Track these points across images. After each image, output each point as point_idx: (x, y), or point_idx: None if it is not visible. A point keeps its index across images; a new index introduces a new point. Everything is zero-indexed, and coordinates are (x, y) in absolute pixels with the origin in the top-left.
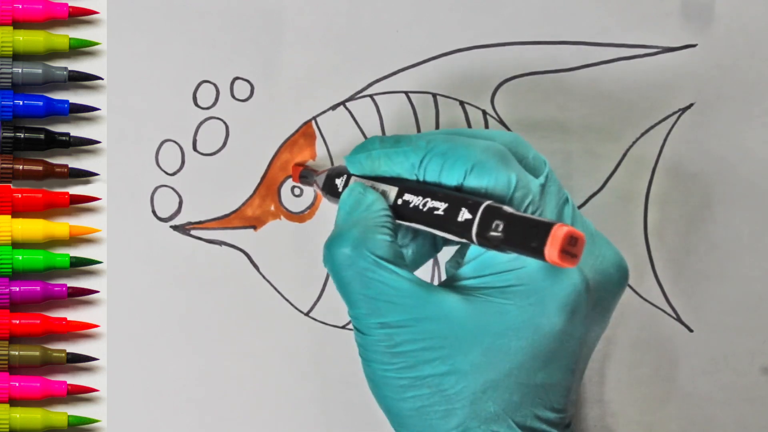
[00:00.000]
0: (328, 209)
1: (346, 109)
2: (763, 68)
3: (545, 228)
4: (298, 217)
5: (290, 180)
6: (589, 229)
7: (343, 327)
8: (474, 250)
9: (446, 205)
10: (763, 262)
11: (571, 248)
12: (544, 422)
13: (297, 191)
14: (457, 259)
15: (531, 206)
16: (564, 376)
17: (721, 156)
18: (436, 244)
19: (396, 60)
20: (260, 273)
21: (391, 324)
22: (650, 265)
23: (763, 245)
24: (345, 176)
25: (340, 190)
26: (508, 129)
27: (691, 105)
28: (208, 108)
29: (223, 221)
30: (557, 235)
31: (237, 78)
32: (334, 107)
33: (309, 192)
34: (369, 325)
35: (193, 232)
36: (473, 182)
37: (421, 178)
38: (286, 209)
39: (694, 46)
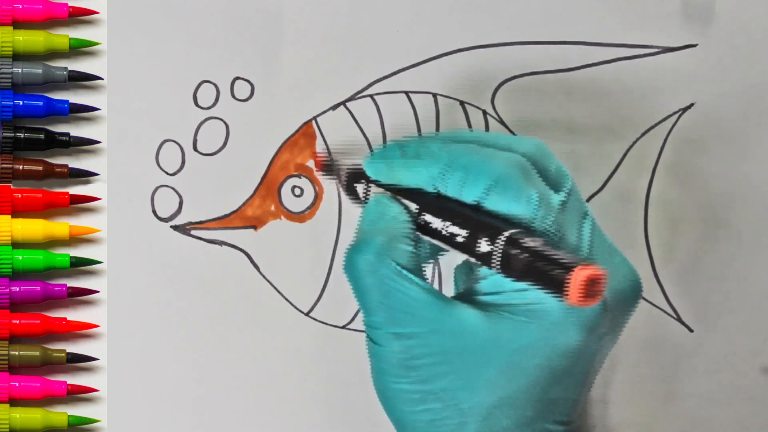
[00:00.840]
0: (328, 209)
1: (347, 109)
2: (763, 68)
3: (565, 269)
4: (299, 217)
5: (290, 180)
6: (606, 244)
7: (344, 327)
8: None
9: (467, 232)
10: (763, 262)
11: (592, 288)
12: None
13: (297, 191)
14: (470, 266)
15: (553, 226)
16: (576, 390)
17: (721, 156)
18: (441, 249)
19: (396, 60)
20: (260, 273)
21: (408, 335)
22: (650, 265)
23: (763, 245)
24: (365, 182)
25: (360, 195)
26: (509, 129)
27: (691, 105)
28: (208, 108)
29: (224, 221)
30: (578, 279)
31: (237, 78)
32: (334, 107)
33: (309, 192)
34: (385, 335)
35: (193, 232)
36: (494, 201)
37: (441, 191)
38: (287, 209)
39: (694, 46)
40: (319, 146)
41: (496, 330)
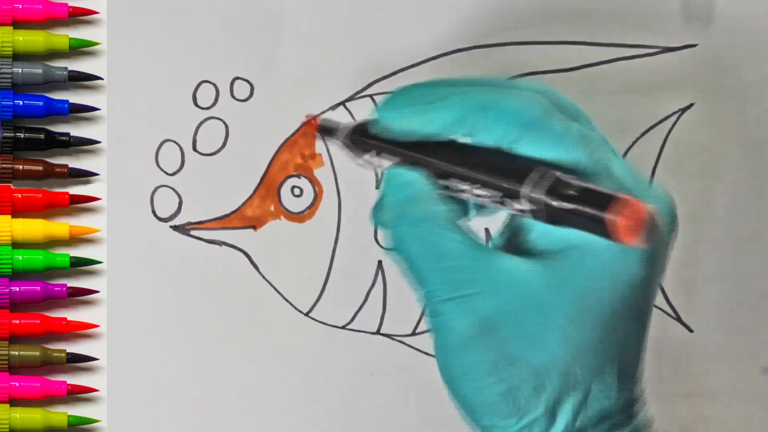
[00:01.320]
0: (328, 209)
1: (346, 109)
2: (763, 68)
3: (613, 209)
4: (298, 217)
5: (290, 180)
6: (634, 174)
7: (343, 327)
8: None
9: (496, 194)
10: (763, 262)
11: (643, 226)
12: (626, 381)
13: (297, 191)
14: (509, 228)
15: (591, 161)
16: (638, 329)
17: (721, 156)
18: (468, 210)
19: (396, 60)
20: (260, 273)
21: (466, 297)
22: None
23: (763, 245)
24: (367, 141)
25: (372, 164)
26: None
27: (691, 105)
28: (208, 108)
29: (223, 221)
30: (629, 219)
31: (237, 78)
32: (334, 107)
33: (309, 192)
34: (444, 303)
35: (193, 232)
36: (528, 143)
37: (458, 137)
38: (286, 209)
39: (694, 46)
40: (319, 146)
41: (556, 276)
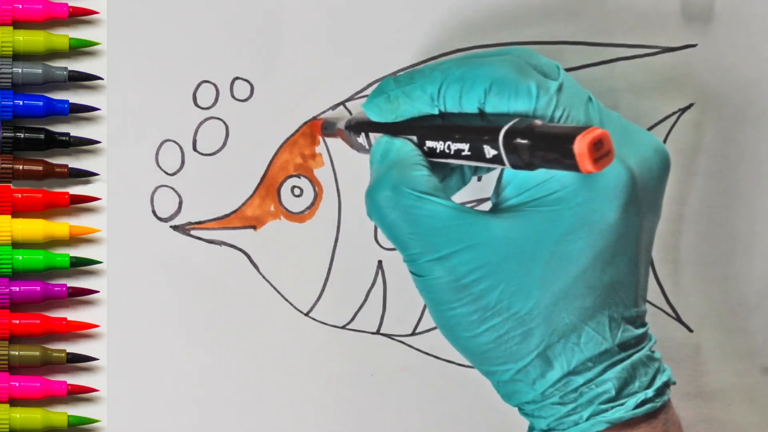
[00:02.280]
0: (328, 209)
1: (346, 109)
2: (763, 68)
3: (569, 139)
4: (298, 217)
5: (290, 180)
6: (619, 121)
7: (343, 327)
8: (509, 172)
9: (469, 144)
10: (763, 262)
11: (600, 150)
12: (620, 321)
13: (297, 191)
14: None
15: (557, 110)
16: (629, 270)
17: (721, 156)
18: (464, 176)
19: (396, 60)
20: (260, 273)
21: (446, 256)
22: (650, 266)
23: (763, 245)
24: (366, 132)
25: (365, 144)
26: None
27: (691, 105)
28: (208, 108)
29: (223, 221)
30: (582, 145)
31: (237, 78)
32: (334, 107)
33: (309, 192)
34: (425, 264)
35: (193, 232)
36: (494, 102)
37: (442, 109)
38: (286, 209)
39: (694, 46)
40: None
41: (530, 227)
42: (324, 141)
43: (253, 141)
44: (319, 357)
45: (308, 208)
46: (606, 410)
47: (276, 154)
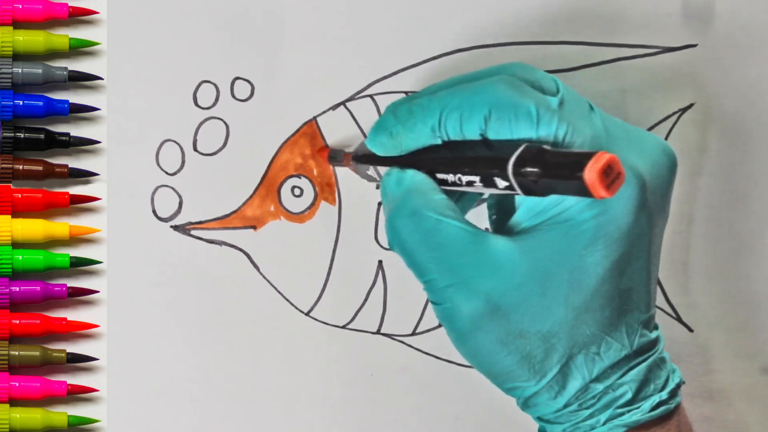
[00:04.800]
0: (328, 210)
1: (347, 109)
2: (763, 68)
3: (578, 168)
4: (298, 217)
5: (290, 180)
6: (624, 127)
7: (344, 327)
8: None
9: (479, 177)
10: (763, 261)
11: (611, 175)
12: (637, 326)
13: (297, 191)
14: (497, 208)
15: (560, 128)
16: (643, 275)
17: (721, 156)
18: (476, 194)
19: (396, 60)
20: (260, 273)
21: (465, 282)
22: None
23: (763, 245)
24: (373, 163)
25: (374, 175)
26: None
27: (691, 105)
28: (208, 108)
29: (223, 221)
30: (592, 175)
31: (237, 78)
32: (334, 107)
33: (309, 192)
34: (445, 291)
35: (193, 232)
36: (496, 127)
37: (445, 139)
38: (286, 209)
39: (694, 46)
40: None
41: (548, 246)
42: (324, 141)
43: (253, 141)
44: (320, 357)
45: (308, 208)
46: (622, 414)
47: (276, 154)
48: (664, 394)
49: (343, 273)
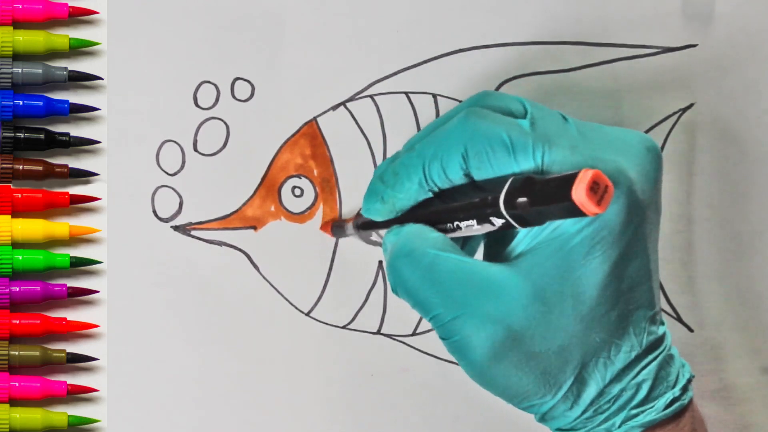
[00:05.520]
0: (328, 210)
1: (347, 109)
2: (763, 68)
3: (566, 191)
4: (299, 217)
5: (290, 180)
6: (602, 130)
7: (344, 327)
8: None
9: (475, 221)
10: (763, 261)
11: (599, 190)
12: (644, 324)
13: (297, 192)
14: (490, 237)
15: (537, 149)
16: (644, 272)
17: (721, 156)
18: (478, 237)
19: (396, 60)
20: (260, 273)
21: (471, 313)
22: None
23: (763, 245)
24: (374, 228)
25: (379, 239)
26: None
27: (691, 105)
28: (208, 108)
29: (224, 222)
30: (580, 198)
31: (237, 78)
32: (334, 107)
33: (309, 192)
34: (453, 323)
35: (193, 233)
36: (476, 165)
37: (435, 190)
38: (287, 210)
39: (694, 46)
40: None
41: (547, 266)
42: (325, 141)
43: (253, 141)
44: (320, 357)
45: (308, 208)
46: (637, 414)
47: (276, 154)
48: (676, 391)
49: (344, 273)
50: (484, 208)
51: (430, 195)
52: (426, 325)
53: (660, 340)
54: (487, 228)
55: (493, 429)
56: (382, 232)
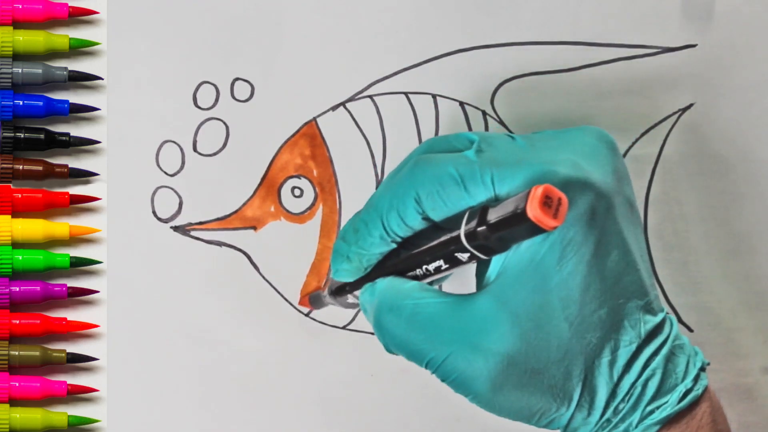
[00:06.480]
0: (328, 210)
1: (346, 109)
2: (763, 68)
3: (521, 213)
4: (298, 218)
5: (290, 181)
6: (551, 135)
7: (344, 327)
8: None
9: (441, 261)
10: (763, 261)
11: (553, 202)
12: (639, 314)
13: (297, 192)
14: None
15: (485, 173)
16: (625, 263)
17: (721, 156)
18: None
19: (396, 60)
20: (260, 274)
21: (463, 346)
22: (650, 265)
23: (763, 245)
24: (347, 290)
25: (357, 301)
26: (508, 129)
27: (691, 105)
28: (208, 108)
29: (223, 222)
30: (535, 215)
31: (237, 78)
32: (334, 108)
33: (309, 193)
34: (448, 363)
35: (193, 233)
36: (430, 205)
37: (398, 240)
38: (286, 210)
39: (694, 46)
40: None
41: (523, 283)
42: (324, 141)
43: (253, 142)
44: (320, 357)
45: (308, 208)
46: (653, 411)
47: (276, 154)
48: (688, 382)
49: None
50: (448, 246)
51: (394, 246)
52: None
53: (659, 327)
54: (457, 265)
55: (492, 429)
56: (358, 292)
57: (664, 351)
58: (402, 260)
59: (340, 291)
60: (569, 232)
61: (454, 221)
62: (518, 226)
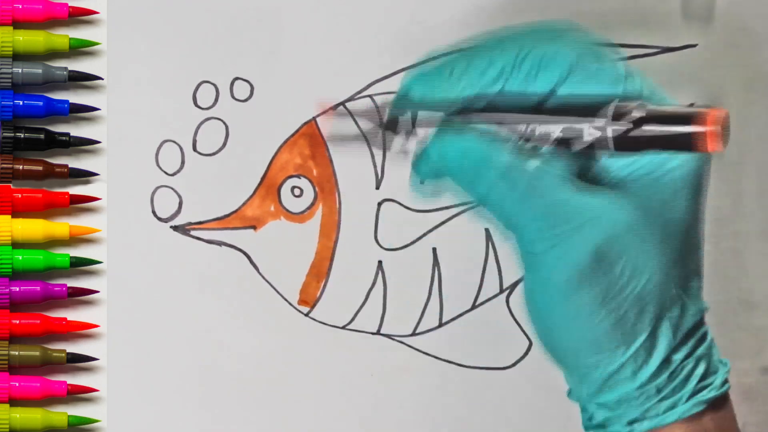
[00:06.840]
0: (328, 210)
1: (346, 109)
2: (763, 68)
3: (692, 122)
4: (298, 217)
5: (290, 180)
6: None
7: (343, 327)
8: None
9: (562, 126)
10: (763, 261)
11: (726, 131)
12: (698, 290)
13: (297, 191)
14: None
15: (642, 86)
16: (700, 239)
17: (720, 156)
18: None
19: (396, 60)
20: (260, 273)
21: (568, 232)
22: None
23: (763, 244)
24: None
25: (406, 148)
26: None
27: (691, 105)
28: (208, 108)
29: (223, 221)
30: (715, 128)
31: (237, 78)
32: (334, 107)
33: (309, 192)
34: (544, 242)
35: (193, 233)
36: (574, 81)
37: (501, 89)
38: (286, 209)
39: (694, 46)
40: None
41: (641, 201)
42: (324, 141)
43: (253, 141)
44: (319, 357)
45: (308, 208)
46: (701, 389)
47: (276, 154)
48: (725, 370)
49: (343, 273)
50: (581, 114)
51: (495, 91)
52: (426, 325)
53: (704, 314)
54: (562, 147)
55: (492, 429)
56: (421, 133)
57: (709, 335)
58: (514, 107)
59: (393, 125)
60: (690, 176)
61: (575, 100)
62: (683, 133)
